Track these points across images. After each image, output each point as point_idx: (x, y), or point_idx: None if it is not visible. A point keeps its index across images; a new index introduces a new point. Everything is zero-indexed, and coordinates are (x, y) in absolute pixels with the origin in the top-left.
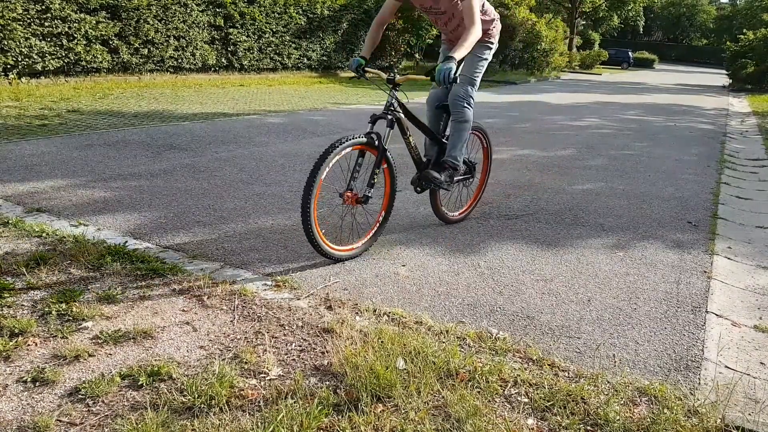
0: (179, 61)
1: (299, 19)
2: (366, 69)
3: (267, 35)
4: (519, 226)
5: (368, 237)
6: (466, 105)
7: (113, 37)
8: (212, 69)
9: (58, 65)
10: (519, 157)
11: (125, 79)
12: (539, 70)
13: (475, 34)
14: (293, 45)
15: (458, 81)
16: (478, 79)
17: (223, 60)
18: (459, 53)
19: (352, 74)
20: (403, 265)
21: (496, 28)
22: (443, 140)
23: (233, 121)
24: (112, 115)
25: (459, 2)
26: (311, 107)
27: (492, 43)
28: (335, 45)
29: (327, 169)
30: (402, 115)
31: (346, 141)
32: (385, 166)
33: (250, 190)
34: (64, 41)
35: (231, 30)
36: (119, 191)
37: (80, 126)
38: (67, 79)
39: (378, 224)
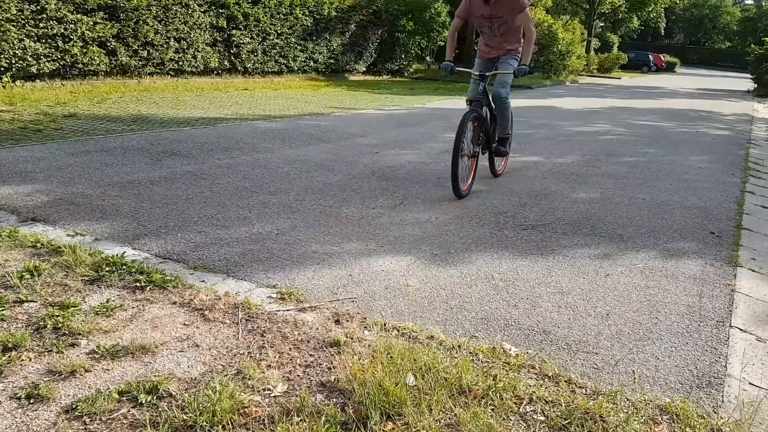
0: (180, 63)
1: (305, 20)
2: (458, 69)
3: (272, 37)
4: (534, 237)
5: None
6: (506, 101)
7: (111, 39)
8: (214, 72)
9: (54, 68)
10: (534, 164)
11: (124, 83)
12: (555, 73)
13: (534, 40)
14: (299, 47)
15: (500, 83)
16: (511, 82)
17: (225, 63)
18: (526, 58)
19: (444, 74)
20: (414, 278)
21: (521, 44)
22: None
23: (236, 126)
24: (110, 120)
25: (518, 13)
26: (318, 112)
27: (519, 56)
28: (343, 47)
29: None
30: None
31: (470, 116)
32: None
33: (253, 198)
34: (60, 43)
35: (234, 31)
36: (117, 199)
37: (77, 131)
38: (63, 82)
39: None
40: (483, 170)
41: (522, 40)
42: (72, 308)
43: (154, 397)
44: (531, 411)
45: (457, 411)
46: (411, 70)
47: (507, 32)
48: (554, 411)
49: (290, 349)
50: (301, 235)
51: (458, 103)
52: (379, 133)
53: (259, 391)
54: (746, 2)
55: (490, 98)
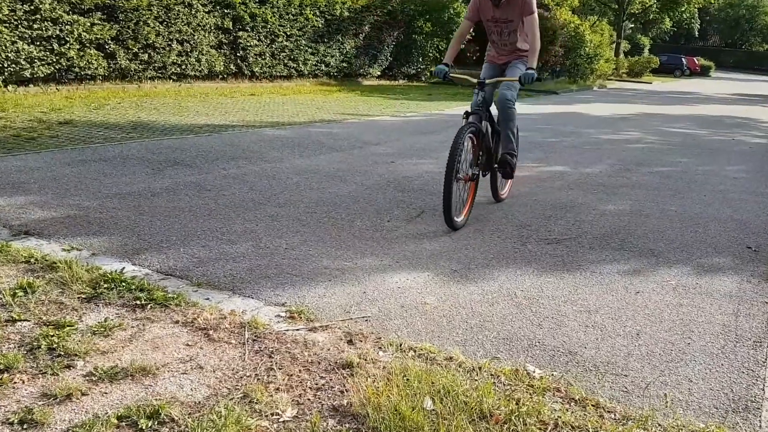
0: (183, 67)
1: (316, 21)
2: (452, 75)
3: (280, 39)
4: (560, 252)
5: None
6: (513, 106)
7: (109, 41)
8: (219, 76)
9: (49, 72)
10: (559, 174)
11: (123, 88)
12: (582, 78)
13: (538, 47)
14: (309, 50)
15: (507, 85)
16: (519, 89)
17: (231, 66)
18: (533, 62)
19: (436, 79)
20: (432, 295)
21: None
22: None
23: (243, 134)
24: (109, 128)
25: (526, 16)
26: (329, 119)
27: (527, 61)
28: (356, 50)
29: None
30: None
31: (468, 130)
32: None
33: (261, 210)
34: (55, 45)
35: (240, 33)
36: (116, 212)
37: (73, 139)
38: (59, 87)
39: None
40: (482, 196)
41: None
42: (68, 327)
43: (156, 423)
44: None
45: None
46: (429, 74)
47: (516, 38)
48: None
49: (300, 371)
50: (312, 250)
51: None
52: (394, 141)
53: (267, 416)
54: None
55: (495, 103)
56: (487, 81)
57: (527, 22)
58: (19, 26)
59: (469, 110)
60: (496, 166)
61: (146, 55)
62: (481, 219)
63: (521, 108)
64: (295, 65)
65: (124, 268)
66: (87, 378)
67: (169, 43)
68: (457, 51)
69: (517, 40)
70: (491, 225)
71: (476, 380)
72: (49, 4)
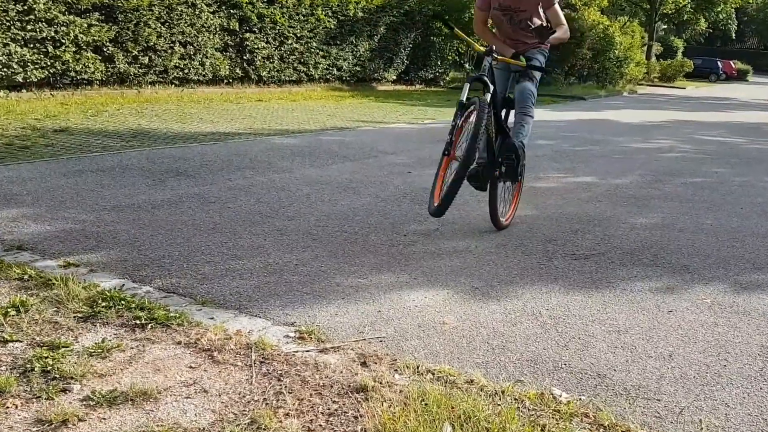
0: (186, 71)
1: (328, 21)
2: (457, 32)
3: (290, 41)
4: (588, 268)
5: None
6: (533, 100)
7: (108, 43)
8: (225, 81)
9: (43, 76)
10: (586, 185)
11: (122, 93)
12: (611, 82)
13: (567, 33)
14: (321, 52)
15: (527, 76)
16: (538, 80)
17: (237, 70)
18: (549, 44)
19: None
20: (451, 314)
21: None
22: (507, 130)
23: (250, 142)
24: (107, 136)
25: (546, 9)
26: (342, 126)
27: (547, 51)
28: (370, 53)
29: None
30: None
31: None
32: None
33: (269, 224)
34: (50, 48)
35: (247, 35)
36: (115, 225)
37: (69, 148)
38: (54, 92)
39: None
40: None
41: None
42: (63, 349)
43: None
44: None
45: None
46: (448, 78)
47: (528, 29)
48: None
49: (311, 395)
50: (323, 266)
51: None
52: (411, 150)
53: None
54: None
55: (515, 95)
56: (498, 57)
57: (552, 16)
58: (12, 27)
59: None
60: (498, 169)
61: (147, 59)
62: (503, 233)
63: (545, 115)
64: (305, 69)
65: (123, 285)
66: (84, 402)
67: (171, 45)
68: (492, 33)
69: (528, 33)
70: (514, 239)
71: (499, 405)
72: (44, 4)
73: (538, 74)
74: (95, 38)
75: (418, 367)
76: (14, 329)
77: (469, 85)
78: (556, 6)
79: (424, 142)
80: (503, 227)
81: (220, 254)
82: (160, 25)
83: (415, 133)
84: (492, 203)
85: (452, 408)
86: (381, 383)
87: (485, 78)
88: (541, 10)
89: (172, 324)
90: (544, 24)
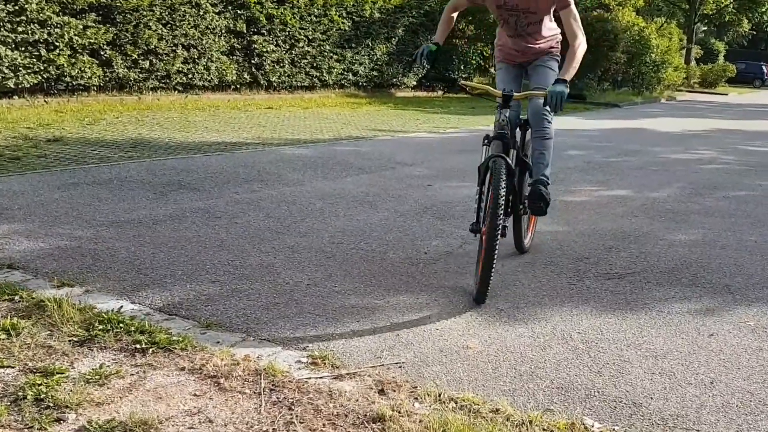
0: (189, 76)
1: (342, 23)
2: (463, 83)
3: (301, 44)
4: (623, 288)
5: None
6: (550, 119)
7: (105, 46)
8: (232, 87)
9: (36, 82)
10: (621, 199)
11: (121, 100)
12: (648, 88)
13: (584, 50)
14: (335, 56)
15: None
16: None
17: (245, 75)
18: (570, 74)
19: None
20: (475, 338)
21: (560, 40)
22: (526, 159)
23: (258, 153)
24: (105, 146)
25: (560, 10)
26: (358, 135)
27: (559, 56)
28: (388, 56)
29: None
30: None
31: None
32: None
33: (279, 241)
34: (43, 51)
35: (256, 37)
36: (113, 242)
37: (63, 159)
38: (47, 99)
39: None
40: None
41: (554, 34)
42: (57, 375)
43: None
44: None
45: None
46: (472, 84)
47: (537, 32)
48: None
49: (324, 425)
50: (338, 286)
51: None
52: (432, 161)
53: None
54: None
55: (528, 115)
56: (515, 95)
57: (565, 19)
58: (2, 29)
59: (491, 134)
60: (523, 204)
61: (147, 63)
62: (531, 250)
63: (577, 123)
64: (318, 74)
65: (122, 307)
66: None
67: (174, 48)
68: (450, 26)
69: (541, 31)
70: (543, 257)
71: None
72: (36, 4)
73: (548, 86)
74: (92, 41)
75: (439, 395)
76: (5, 354)
77: (487, 147)
78: (573, 7)
79: (446, 152)
80: (526, 250)
81: (227, 273)
82: (161, 26)
83: (437, 143)
84: (517, 235)
85: None
86: (400, 412)
87: (506, 136)
88: (551, 14)
89: (175, 348)
90: (553, 33)
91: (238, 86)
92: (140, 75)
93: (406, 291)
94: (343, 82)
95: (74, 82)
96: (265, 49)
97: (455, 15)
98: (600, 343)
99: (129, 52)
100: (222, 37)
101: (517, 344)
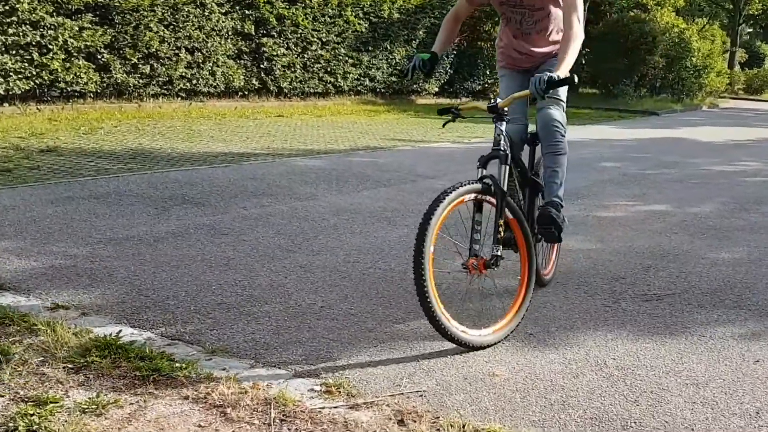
0: (194, 82)
1: (359, 24)
2: (456, 110)
3: (314, 47)
4: (661, 311)
5: (513, 313)
6: (563, 132)
7: (103, 50)
8: (239, 93)
9: (28, 88)
10: (659, 214)
11: (119, 107)
12: (688, 95)
13: (579, 42)
14: (350, 60)
15: (548, 102)
16: (566, 104)
17: (253, 81)
18: (563, 69)
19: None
20: (502, 364)
21: None
22: (537, 179)
23: (268, 164)
24: (102, 157)
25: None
26: (375, 146)
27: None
28: (408, 60)
29: (435, 231)
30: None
31: (454, 191)
32: (511, 216)
33: (291, 260)
34: (36, 55)
35: (265, 40)
36: (111, 261)
37: (58, 171)
38: (40, 106)
39: (523, 295)
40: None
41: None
42: (51, 405)
43: None
44: None
45: None
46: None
47: (545, 29)
48: None
49: None
50: (354, 309)
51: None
52: (455, 173)
53: None
54: None
55: (538, 128)
56: (499, 104)
57: (566, 7)
58: None
59: (487, 155)
60: (534, 230)
61: (148, 67)
62: (562, 270)
63: (612, 132)
64: (332, 79)
65: (120, 331)
66: None
67: (177, 51)
68: (450, 38)
69: (549, 29)
70: (576, 278)
71: None
72: (29, 4)
73: (563, 93)
74: (88, 43)
75: (464, 426)
76: None
77: (483, 169)
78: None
79: (471, 164)
80: (546, 282)
81: (234, 295)
82: (163, 28)
83: (460, 154)
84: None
85: None
86: None
87: (501, 153)
88: (560, 4)
89: (178, 376)
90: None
91: (246, 93)
92: (140, 80)
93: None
94: (359, 89)
95: (69, 88)
96: (275, 53)
97: (458, 24)
98: (637, 370)
99: (128, 56)
100: (229, 40)
101: (548, 371)
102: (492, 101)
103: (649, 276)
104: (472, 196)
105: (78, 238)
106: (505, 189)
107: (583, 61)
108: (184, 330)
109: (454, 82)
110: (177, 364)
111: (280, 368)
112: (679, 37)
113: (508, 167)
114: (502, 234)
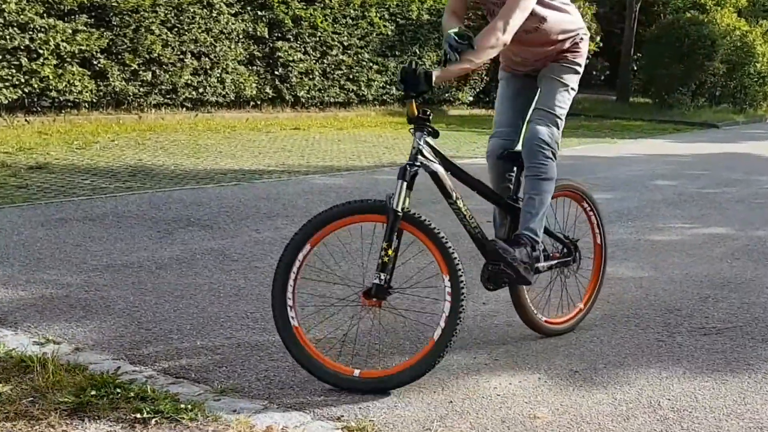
0: (200, 91)
1: (384, 26)
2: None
3: (335, 52)
4: (721, 346)
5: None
6: (549, 153)
7: (99, 55)
8: (251, 103)
9: (15, 97)
10: (718, 239)
11: (118, 119)
12: (752, 105)
13: (499, 39)
14: (375, 66)
15: (541, 115)
16: (563, 118)
17: (267, 90)
18: (480, 46)
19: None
20: (544, 405)
21: (585, 42)
22: (516, 205)
23: (282, 183)
24: (98, 174)
25: None
26: (402, 162)
27: (580, 66)
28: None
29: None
30: (440, 168)
31: (333, 210)
32: (424, 235)
33: (309, 289)
34: (24, 61)
35: (280, 44)
36: (108, 290)
37: (49, 191)
38: (29, 118)
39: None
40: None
41: (571, 34)
42: None
43: None
44: None
45: None
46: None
47: (538, 26)
48: None
49: None
50: (379, 343)
51: (611, 149)
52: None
53: None
54: None
55: (522, 145)
56: (408, 112)
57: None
58: None
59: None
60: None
61: (150, 74)
62: (612, 300)
63: (666, 147)
64: (355, 88)
65: (119, 368)
66: None
67: (182, 57)
68: (461, 16)
69: (546, 33)
70: (626, 309)
71: None
72: (16, 4)
73: (559, 105)
74: (83, 48)
75: None
76: None
77: (403, 184)
78: None
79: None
80: (561, 330)
81: (245, 328)
82: (166, 30)
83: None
84: (516, 307)
85: None
86: None
87: (408, 171)
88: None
89: (183, 418)
90: (567, 30)
91: (259, 103)
92: (141, 89)
93: (461, 349)
94: (384, 98)
95: (61, 98)
96: (291, 58)
97: (460, 20)
98: (694, 412)
99: (127, 62)
100: (239, 44)
101: (595, 413)
102: (417, 115)
103: (708, 307)
104: (356, 217)
105: (71, 265)
106: (399, 208)
107: (635, 67)
108: (190, 367)
109: (490, 91)
110: (182, 405)
111: (296, 410)
112: (741, 40)
113: (405, 183)
114: (386, 259)
